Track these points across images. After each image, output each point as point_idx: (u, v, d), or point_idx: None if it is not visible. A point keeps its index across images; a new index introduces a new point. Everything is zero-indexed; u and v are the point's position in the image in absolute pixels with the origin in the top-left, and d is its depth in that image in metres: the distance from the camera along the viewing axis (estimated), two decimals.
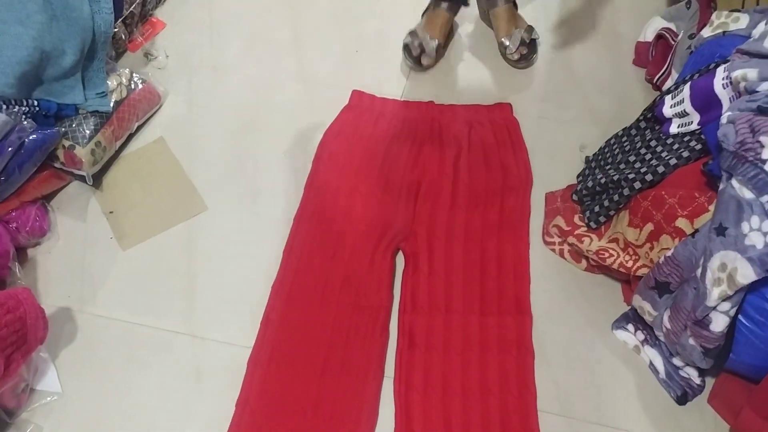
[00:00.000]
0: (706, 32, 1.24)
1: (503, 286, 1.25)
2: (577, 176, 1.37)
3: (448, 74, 1.59)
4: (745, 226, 0.89)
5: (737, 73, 1.01)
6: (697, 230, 1.01)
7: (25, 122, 1.26)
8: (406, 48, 1.58)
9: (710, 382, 1.14)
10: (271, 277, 1.28)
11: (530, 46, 1.56)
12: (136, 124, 1.50)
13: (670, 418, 1.13)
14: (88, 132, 1.35)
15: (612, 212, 1.22)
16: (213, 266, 1.33)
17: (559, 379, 1.17)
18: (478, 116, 1.47)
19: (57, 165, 1.37)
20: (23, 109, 1.28)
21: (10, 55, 1.22)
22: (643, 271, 1.12)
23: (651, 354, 1.17)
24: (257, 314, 1.24)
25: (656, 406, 1.14)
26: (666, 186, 1.10)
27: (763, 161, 0.88)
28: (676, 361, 1.14)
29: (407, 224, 1.32)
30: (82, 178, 1.40)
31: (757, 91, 0.96)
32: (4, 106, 1.25)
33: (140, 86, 1.48)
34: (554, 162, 1.42)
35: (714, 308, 0.94)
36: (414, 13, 1.62)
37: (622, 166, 1.22)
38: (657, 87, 1.47)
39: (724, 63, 1.09)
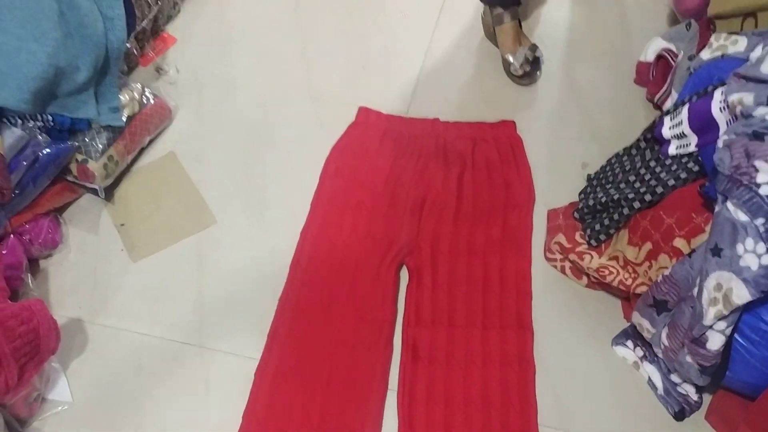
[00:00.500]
0: (705, 54, 1.24)
1: (505, 300, 1.27)
2: (579, 194, 1.39)
3: (452, 91, 1.61)
4: (739, 248, 0.90)
5: (734, 98, 1.02)
6: (694, 250, 1.02)
7: (40, 137, 1.29)
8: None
9: (707, 398, 1.16)
10: (278, 290, 1.31)
11: (534, 63, 1.59)
12: (148, 138, 1.52)
13: None
14: (100, 146, 1.38)
15: (612, 231, 1.24)
16: (222, 278, 1.35)
17: (560, 393, 1.19)
18: (482, 133, 1.49)
19: (70, 178, 1.40)
20: (38, 123, 1.30)
21: (25, 71, 1.24)
22: (642, 288, 1.14)
23: (650, 370, 1.19)
24: (265, 326, 1.26)
25: (654, 422, 1.15)
26: (664, 206, 1.12)
27: (758, 185, 0.90)
28: (674, 378, 1.15)
29: (412, 239, 1.34)
30: (94, 191, 1.42)
31: (753, 116, 0.97)
32: (20, 121, 1.28)
33: (152, 101, 1.50)
34: (557, 179, 1.44)
35: (710, 327, 0.95)
36: (420, 30, 1.64)
37: (622, 185, 1.24)
38: (658, 106, 1.48)
39: (722, 86, 1.10)
